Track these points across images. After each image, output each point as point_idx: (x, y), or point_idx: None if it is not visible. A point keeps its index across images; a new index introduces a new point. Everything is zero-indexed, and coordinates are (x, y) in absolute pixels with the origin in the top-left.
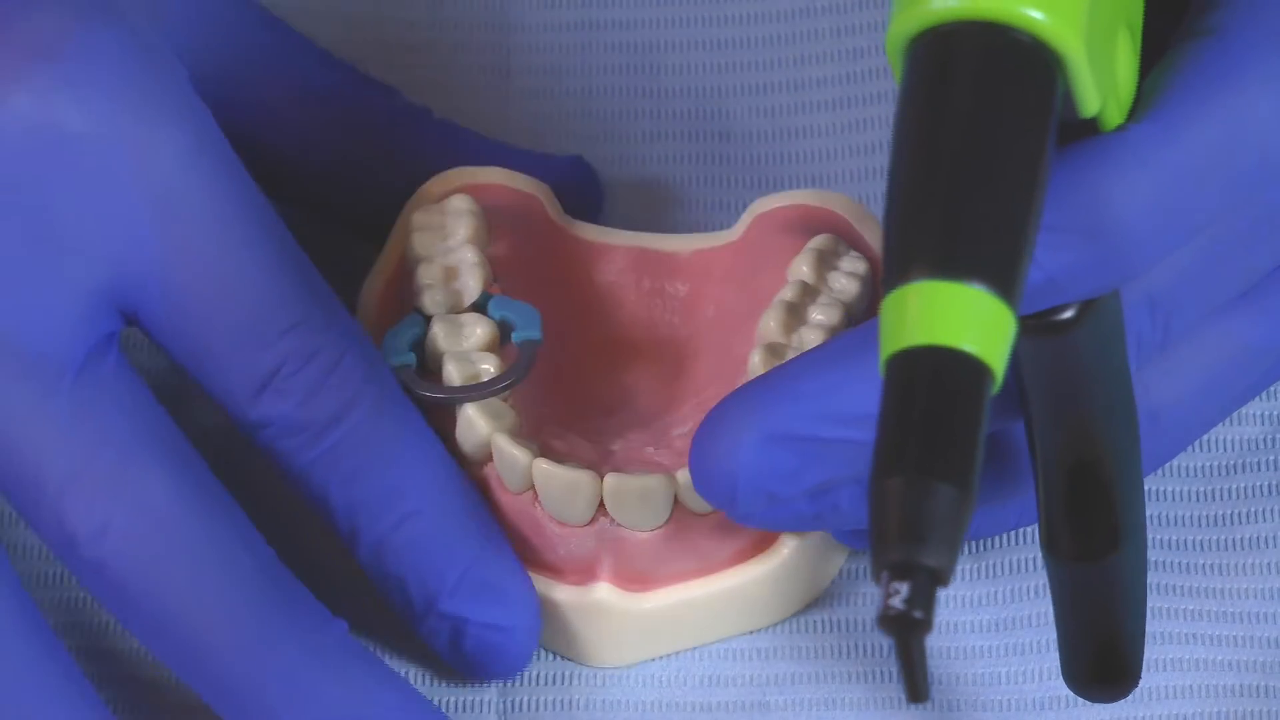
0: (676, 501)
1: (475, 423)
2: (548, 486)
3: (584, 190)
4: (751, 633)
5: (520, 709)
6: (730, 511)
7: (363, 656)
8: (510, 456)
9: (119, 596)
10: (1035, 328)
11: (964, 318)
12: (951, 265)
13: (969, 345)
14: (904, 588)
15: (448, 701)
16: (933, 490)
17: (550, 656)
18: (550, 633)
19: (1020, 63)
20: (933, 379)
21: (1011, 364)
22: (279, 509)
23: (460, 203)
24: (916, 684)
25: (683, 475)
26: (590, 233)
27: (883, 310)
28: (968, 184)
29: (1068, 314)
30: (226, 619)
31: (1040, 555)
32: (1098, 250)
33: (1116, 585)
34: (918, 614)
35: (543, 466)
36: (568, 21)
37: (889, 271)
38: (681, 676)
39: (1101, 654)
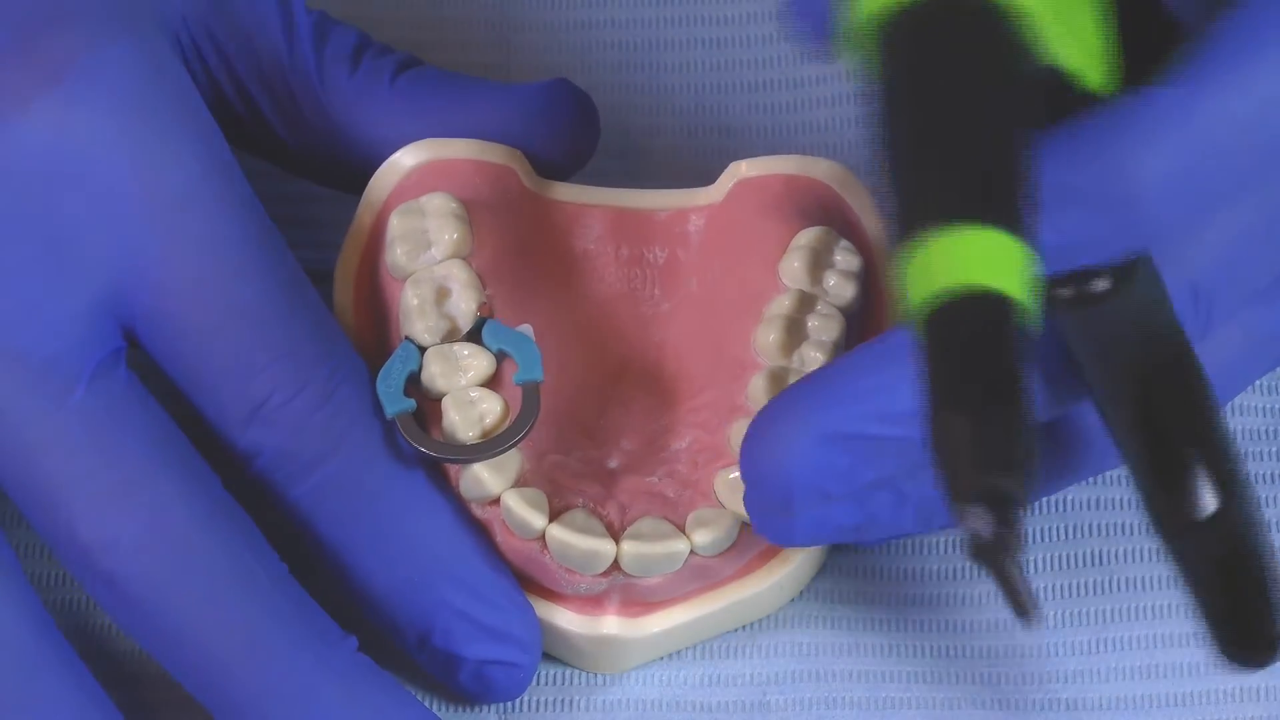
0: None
1: (482, 480)
2: (564, 553)
3: (574, 115)
4: (752, 631)
5: (520, 709)
6: (783, 513)
7: (375, 673)
8: (522, 519)
9: (131, 610)
10: (1073, 301)
11: (980, 256)
12: (957, 210)
13: (991, 280)
14: (987, 514)
15: (448, 700)
16: (993, 417)
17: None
18: (551, 645)
19: (985, 22)
20: (967, 315)
21: (1065, 346)
22: (288, 523)
23: (441, 202)
24: (1022, 602)
25: (698, 535)
26: (564, 194)
27: (900, 268)
28: (955, 140)
29: (1103, 285)
30: (240, 634)
31: (1041, 558)
32: (1115, 212)
33: (1234, 540)
34: (1005, 535)
35: (557, 535)
36: (567, 21)
37: (898, 231)
38: (682, 675)
39: (1242, 616)
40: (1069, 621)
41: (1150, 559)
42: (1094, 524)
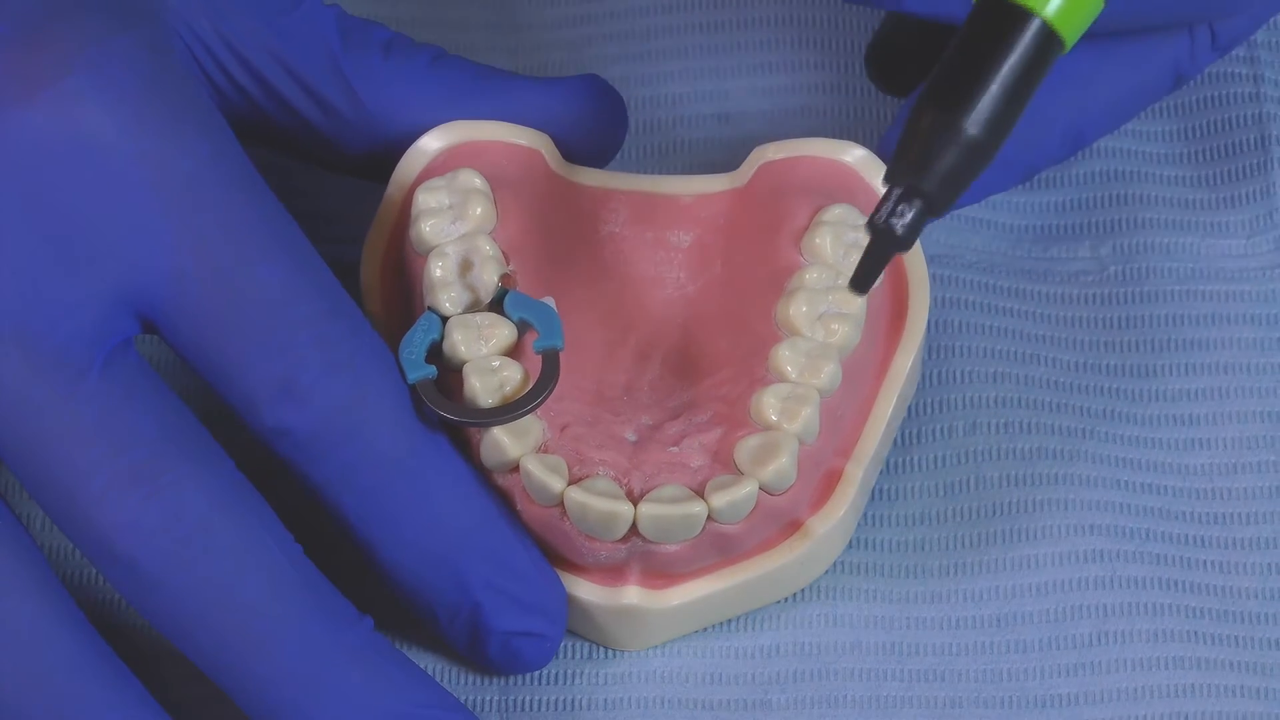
0: (709, 517)
1: (502, 444)
2: (582, 515)
3: (603, 111)
4: (754, 631)
5: (522, 708)
6: None
7: (390, 653)
8: (541, 482)
9: (151, 595)
10: None
11: None
12: None
13: (1047, 11)
14: (909, 212)
15: (462, 678)
16: (956, 131)
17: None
18: (572, 621)
19: None
20: (1000, 31)
21: None
22: (299, 504)
23: (468, 179)
24: (865, 281)
25: (716, 498)
26: (591, 179)
27: None
28: None
29: None
30: (256, 616)
31: (1043, 554)
32: None
33: None
34: (905, 234)
35: (576, 497)
36: (569, 16)
37: None
38: (684, 674)
39: None
40: (1071, 615)
41: (1153, 560)
42: (1097, 524)
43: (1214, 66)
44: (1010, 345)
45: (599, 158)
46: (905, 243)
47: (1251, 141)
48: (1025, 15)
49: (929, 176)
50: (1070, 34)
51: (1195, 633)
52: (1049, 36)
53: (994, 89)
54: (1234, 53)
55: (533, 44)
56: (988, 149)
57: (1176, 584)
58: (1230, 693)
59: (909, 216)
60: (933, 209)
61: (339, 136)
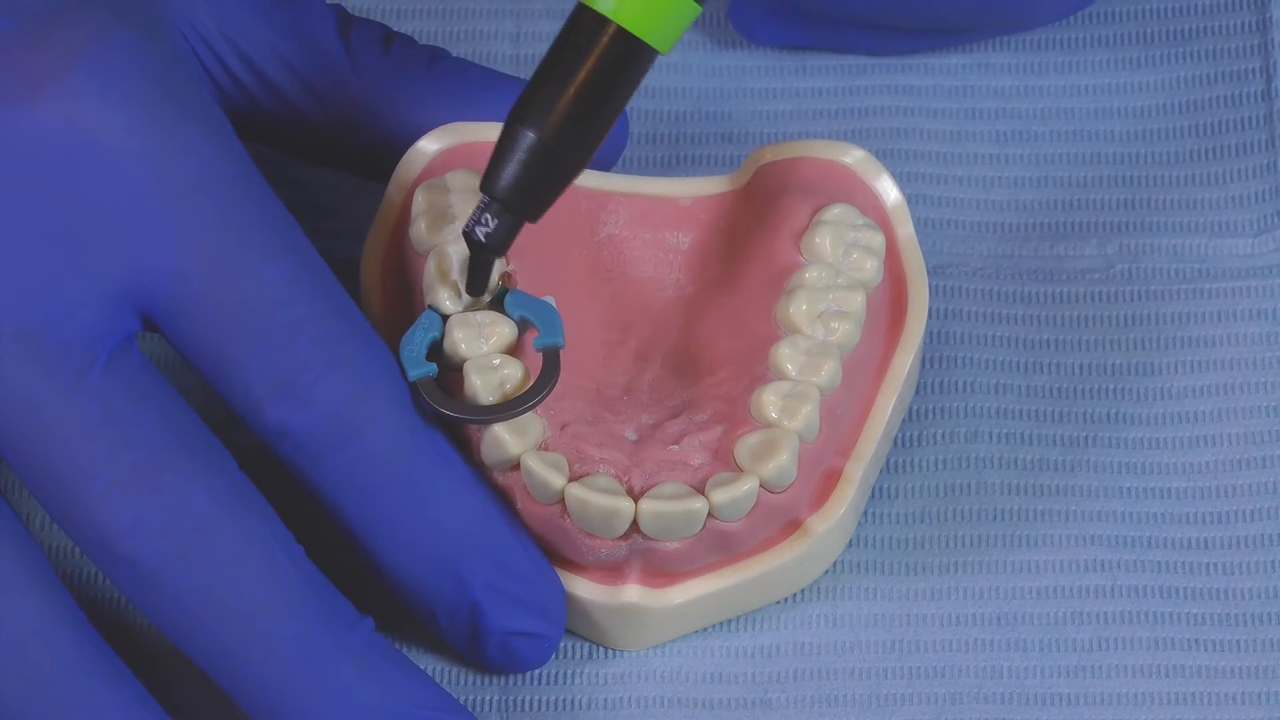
0: (710, 514)
1: (503, 441)
2: (583, 512)
3: None
4: (754, 630)
5: (522, 708)
6: None
7: (391, 654)
8: (542, 479)
9: (151, 594)
10: None
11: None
12: None
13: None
14: (492, 220)
15: (462, 679)
16: (525, 140)
17: (554, 654)
18: (573, 620)
19: None
20: (576, 38)
21: None
22: (299, 504)
23: (464, 178)
24: (473, 285)
25: (717, 495)
26: (590, 181)
27: None
28: None
29: None
30: (260, 617)
31: (1045, 560)
32: None
33: None
34: (489, 240)
35: (576, 494)
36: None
37: None
38: (684, 674)
39: None
40: (1072, 620)
41: (1154, 568)
42: (1099, 535)
43: (1224, 64)
44: (1014, 355)
45: (598, 166)
46: (492, 248)
47: (1257, 120)
48: (601, 21)
49: (506, 185)
50: (660, 39)
51: (1196, 640)
52: (630, 42)
53: (567, 96)
54: (1244, 48)
55: (535, 32)
56: (564, 156)
57: (1178, 591)
58: (1231, 700)
59: (492, 224)
60: (518, 214)
61: (338, 134)
